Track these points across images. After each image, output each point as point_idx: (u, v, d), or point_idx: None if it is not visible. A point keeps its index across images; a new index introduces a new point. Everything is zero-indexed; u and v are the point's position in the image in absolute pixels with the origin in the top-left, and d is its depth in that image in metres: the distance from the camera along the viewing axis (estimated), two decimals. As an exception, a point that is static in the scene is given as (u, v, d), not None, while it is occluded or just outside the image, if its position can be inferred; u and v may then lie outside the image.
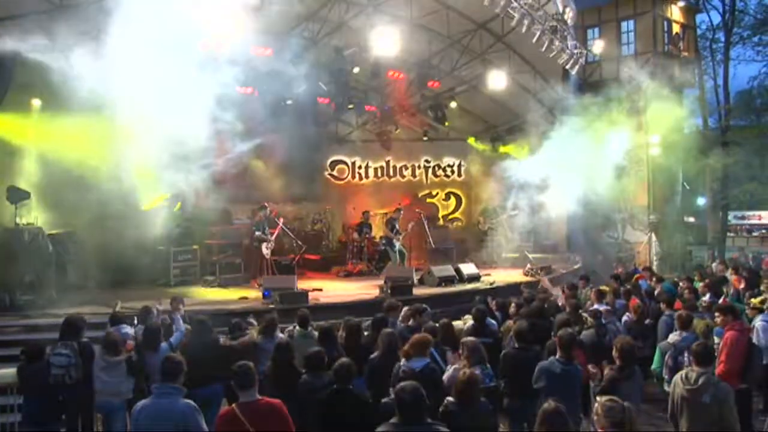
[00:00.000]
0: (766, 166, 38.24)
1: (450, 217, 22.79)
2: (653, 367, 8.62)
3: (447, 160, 22.77)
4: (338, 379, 6.31)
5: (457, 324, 10.47)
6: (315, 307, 12.07)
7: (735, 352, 8.00)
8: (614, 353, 7.19)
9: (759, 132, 31.95)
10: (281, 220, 15.65)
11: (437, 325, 9.12)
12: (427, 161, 22.69)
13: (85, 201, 12.75)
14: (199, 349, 8.15)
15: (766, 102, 32.43)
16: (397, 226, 16.59)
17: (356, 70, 17.48)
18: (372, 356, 7.68)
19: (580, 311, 10.08)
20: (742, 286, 14.02)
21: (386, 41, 16.26)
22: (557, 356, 7.13)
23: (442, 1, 16.43)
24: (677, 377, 6.50)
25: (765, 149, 35.37)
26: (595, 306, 10.86)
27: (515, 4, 15.29)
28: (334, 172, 21.73)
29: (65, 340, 7.78)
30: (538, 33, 16.14)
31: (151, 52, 13.12)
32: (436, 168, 22.78)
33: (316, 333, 8.82)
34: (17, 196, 12.35)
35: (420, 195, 22.41)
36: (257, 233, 14.88)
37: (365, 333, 9.23)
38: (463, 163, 22.61)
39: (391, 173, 22.37)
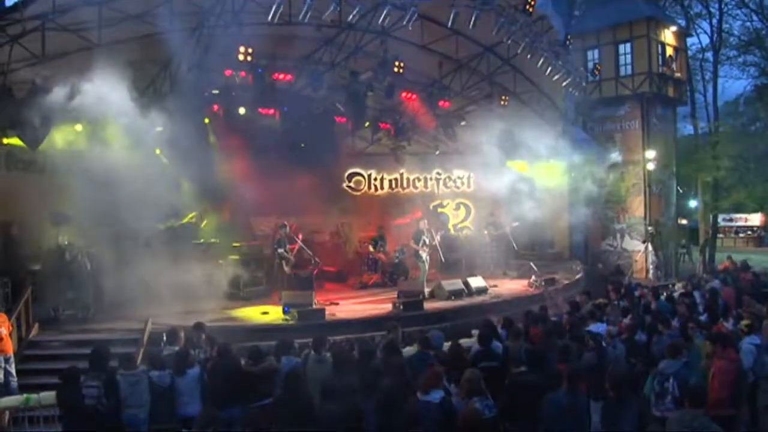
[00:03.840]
0: (751, 171, 37.91)
1: (460, 225, 22.54)
2: (644, 390, 8.36)
3: (457, 173, 22.45)
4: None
5: (466, 342, 10.25)
6: (330, 323, 12.00)
7: (725, 381, 7.71)
8: (607, 384, 6.93)
9: (746, 142, 31.62)
10: (300, 236, 15.47)
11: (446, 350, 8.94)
12: (438, 173, 22.39)
13: (116, 219, 12.68)
14: (222, 374, 8.04)
15: (751, 117, 32.45)
16: (424, 239, 16.27)
17: (371, 93, 17.25)
18: (384, 383, 7.45)
19: (583, 332, 9.86)
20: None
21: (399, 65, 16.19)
22: (564, 388, 6.87)
23: (451, 27, 16.11)
24: (673, 418, 6.28)
25: (751, 157, 35.01)
26: (596, 326, 10.62)
27: (521, 33, 15.07)
28: (352, 184, 21.48)
29: (93, 370, 7.68)
30: (542, 59, 15.91)
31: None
32: (447, 180, 22.47)
33: (329, 356, 8.64)
34: (60, 218, 12.36)
35: (432, 205, 22.13)
36: (279, 251, 14.73)
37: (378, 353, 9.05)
38: (471, 175, 22.33)
39: (405, 185, 22.08)
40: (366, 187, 21.53)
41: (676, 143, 24.97)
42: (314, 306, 12.74)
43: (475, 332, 10.20)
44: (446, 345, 9.64)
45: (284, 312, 12.50)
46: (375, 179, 21.67)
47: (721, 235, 35.58)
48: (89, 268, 12.31)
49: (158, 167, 14.61)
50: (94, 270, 12.40)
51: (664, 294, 17.28)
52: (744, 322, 9.70)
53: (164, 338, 9.67)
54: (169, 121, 14.01)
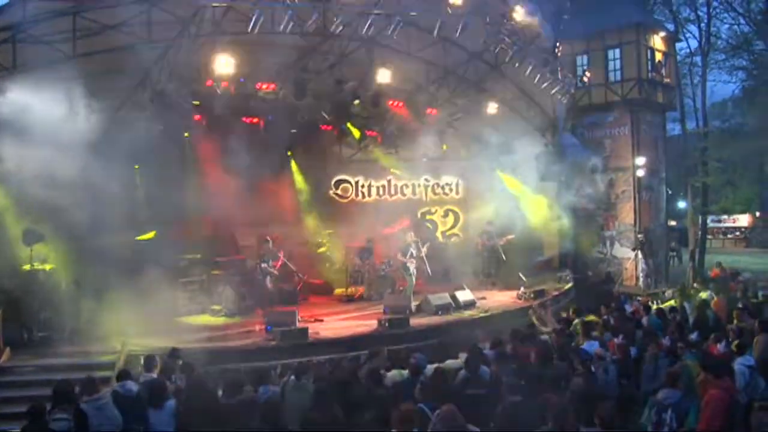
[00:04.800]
0: (738, 172, 37.99)
1: (449, 233, 22.18)
2: (641, 420, 8.06)
3: (445, 179, 22.07)
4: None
5: (453, 364, 9.90)
6: (314, 343, 11.66)
7: (718, 410, 7.39)
8: (595, 419, 6.60)
9: (734, 145, 31.60)
10: (282, 252, 15.03)
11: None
12: (426, 180, 21.98)
13: (91, 234, 12.25)
14: (198, 407, 7.65)
15: (739, 120, 32.59)
16: (411, 251, 15.88)
17: (356, 102, 16.93)
18: (365, 417, 7.11)
19: (571, 353, 9.54)
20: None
21: (385, 74, 15.89)
22: (549, 426, 6.53)
23: (438, 34, 15.81)
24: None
25: (738, 159, 35.02)
26: (585, 345, 10.33)
27: (508, 41, 14.79)
28: (339, 191, 21.05)
29: (58, 404, 7.24)
30: (530, 67, 15.62)
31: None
32: (435, 186, 22.08)
33: (310, 384, 8.30)
34: (33, 237, 11.90)
35: (420, 212, 21.79)
36: (263, 266, 14.31)
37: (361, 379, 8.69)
38: (460, 181, 22.02)
39: (393, 191, 21.58)
40: (353, 195, 21.08)
41: (665, 149, 24.71)
42: (298, 324, 12.35)
43: (462, 355, 9.81)
44: (432, 366, 9.36)
45: (267, 330, 12.12)
46: (362, 186, 21.20)
47: (709, 237, 35.50)
48: (64, 287, 11.87)
49: (136, 180, 14.31)
50: (70, 289, 11.96)
51: (655, 303, 17.15)
52: (734, 343, 9.45)
53: (142, 362, 9.29)
54: (148, 131, 13.68)
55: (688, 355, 9.29)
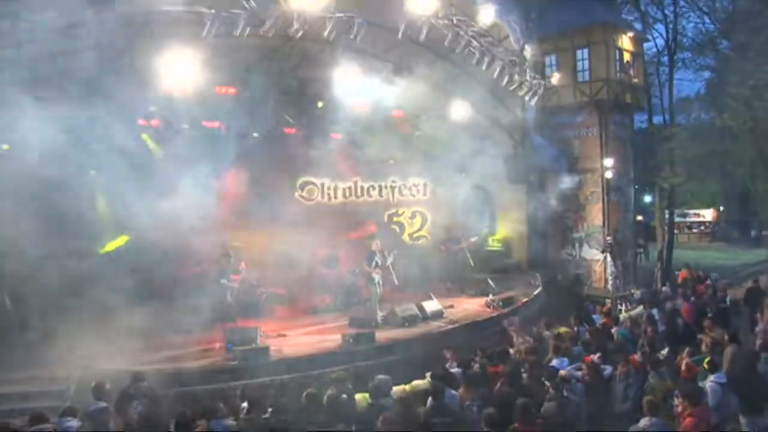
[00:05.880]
0: (703, 167, 38.32)
1: (416, 234, 21.85)
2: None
3: (412, 180, 21.74)
4: None
5: (420, 385, 9.56)
6: (276, 362, 11.20)
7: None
8: None
9: (700, 144, 31.81)
10: (244, 266, 14.49)
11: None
12: (393, 181, 21.61)
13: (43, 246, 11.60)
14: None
15: (705, 121, 33.00)
16: (376, 260, 15.41)
17: (320, 104, 16.45)
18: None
19: (542, 373, 9.25)
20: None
21: (349, 77, 15.50)
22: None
23: (404, 35, 15.42)
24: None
25: (703, 154, 35.35)
26: (559, 361, 10.06)
27: (476, 43, 14.47)
28: (304, 193, 20.51)
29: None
30: (498, 69, 15.32)
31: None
32: (402, 188, 21.71)
33: (262, 418, 7.85)
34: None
35: (387, 214, 21.41)
36: (222, 281, 13.74)
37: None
38: (427, 182, 21.69)
39: (359, 193, 21.16)
40: (319, 197, 20.56)
41: (633, 150, 24.58)
42: (259, 341, 11.88)
43: (428, 374, 9.46)
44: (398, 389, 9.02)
45: (227, 349, 11.61)
46: (328, 188, 20.70)
47: (675, 231, 35.78)
48: (10, 308, 11.19)
49: (92, 186, 13.70)
50: (18, 308, 11.28)
51: (624, 306, 17.01)
52: (706, 359, 9.24)
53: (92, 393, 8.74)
54: (103, 137, 13.13)
55: (655, 375, 9.13)
